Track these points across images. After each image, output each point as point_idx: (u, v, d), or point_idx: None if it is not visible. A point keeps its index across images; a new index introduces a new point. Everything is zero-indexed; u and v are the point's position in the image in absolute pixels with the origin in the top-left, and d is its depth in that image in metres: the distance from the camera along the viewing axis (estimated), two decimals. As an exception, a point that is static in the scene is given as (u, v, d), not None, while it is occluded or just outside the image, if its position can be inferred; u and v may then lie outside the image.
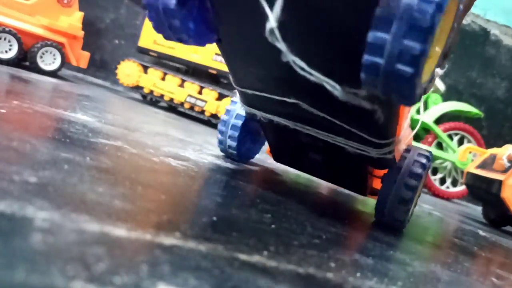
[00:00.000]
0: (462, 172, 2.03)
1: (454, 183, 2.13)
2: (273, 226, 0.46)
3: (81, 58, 1.69)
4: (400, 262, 0.49)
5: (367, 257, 0.46)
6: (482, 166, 1.38)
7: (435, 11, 0.37)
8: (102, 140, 0.63)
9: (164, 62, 1.74)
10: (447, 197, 2.06)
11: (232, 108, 0.82)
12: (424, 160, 0.67)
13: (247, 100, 0.68)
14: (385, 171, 0.71)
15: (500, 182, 1.23)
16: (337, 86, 0.48)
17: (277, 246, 0.39)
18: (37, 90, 1.08)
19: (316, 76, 0.48)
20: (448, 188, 2.11)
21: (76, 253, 0.25)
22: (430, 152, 0.71)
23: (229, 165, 0.78)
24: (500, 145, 1.52)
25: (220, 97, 1.58)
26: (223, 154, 0.87)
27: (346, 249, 0.46)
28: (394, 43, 0.39)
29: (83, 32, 1.66)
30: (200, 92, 1.61)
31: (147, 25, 1.71)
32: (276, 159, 0.82)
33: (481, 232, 1.07)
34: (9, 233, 0.25)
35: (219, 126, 0.82)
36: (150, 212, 0.37)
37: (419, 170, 0.66)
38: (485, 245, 0.88)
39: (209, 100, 1.58)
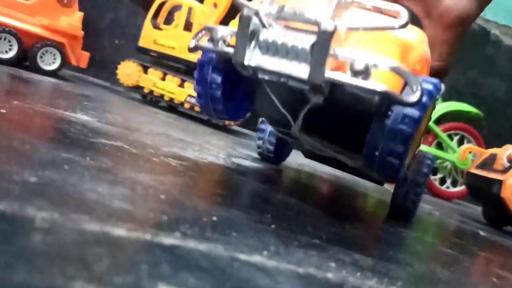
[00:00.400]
0: (462, 172, 2.03)
1: (454, 183, 2.13)
2: (273, 226, 0.46)
3: (81, 58, 1.69)
4: (400, 262, 0.49)
5: (367, 257, 0.46)
6: (482, 166, 1.38)
7: (413, 129, 0.50)
8: (102, 140, 0.63)
9: (164, 62, 1.74)
10: (447, 197, 2.06)
11: (265, 127, 0.97)
12: (429, 161, 0.83)
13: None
14: None
15: (500, 182, 1.23)
16: (346, 159, 0.67)
17: (277, 246, 0.39)
18: (37, 90, 1.08)
19: (329, 153, 0.68)
20: (448, 188, 2.11)
21: (76, 253, 0.25)
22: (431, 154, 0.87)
23: (229, 165, 0.78)
24: (500, 145, 1.52)
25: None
26: (260, 157, 1.01)
27: (346, 249, 0.46)
28: (384, 144, 0.52)
29: (83, 32, 1.66)
30: (200, 92, 1.61)
31: (147, 25, 1.72)
32: (305, 156, 0.97)
33: (481, 232, 1.07)
34: (9, 233, 0.25)
35: (258, 134, 0.97)
36: (150, 212, 0.37)
37: (426, 170, 0.81)
38: (485, 245, 0.88)
39: (209, 100, 1.58)
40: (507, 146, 1.37)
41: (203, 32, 0.58)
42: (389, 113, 0.51)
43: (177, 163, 0.63)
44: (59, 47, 1.56)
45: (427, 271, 0.50)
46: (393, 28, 0.48)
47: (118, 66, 1.72)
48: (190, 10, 1.70)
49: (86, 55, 1.70)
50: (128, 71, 1.70)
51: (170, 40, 1.67)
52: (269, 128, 0.94)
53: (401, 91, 0.50)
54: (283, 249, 0.39)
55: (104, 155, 0.54)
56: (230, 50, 0.51)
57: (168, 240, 0.32)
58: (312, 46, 0.46)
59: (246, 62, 0.50)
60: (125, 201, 0.38)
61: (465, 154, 1.87)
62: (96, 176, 0.43)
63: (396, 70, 0.46)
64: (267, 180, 0.78)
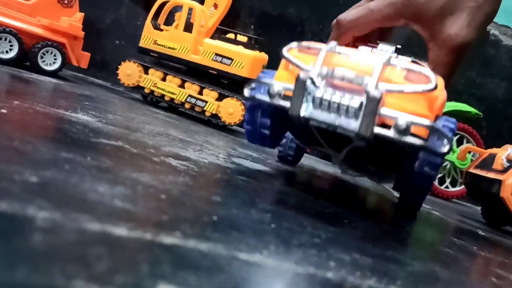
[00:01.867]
0: (461, 172, 2.03)
1: (454, 182, 2.13)
2: (273, 225, 0.46)
3: (82, 58, 1.69)
4: (400, 261, 0.50)
5: (366, 256, 0.46)
6: (481, 166, 1.38)
7: (436, 171, 0.72)
8: (103, 140, 0.63)
9: (164, 62, 1.74)
10: (447, 197, 2.06)
11: None
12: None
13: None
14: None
15: (499, 182, 1.23)
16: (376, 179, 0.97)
17: (277, 245, 0.39)
18: (38, 90, 1.08)
19: (363, 176, 0.91)
20: (447, 187, 2.11)
21: (77, 253, 0.25)
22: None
23: (229, 165, 0.78)
24: (499, 145, 1.52)
25: (220, 97, 1.59)
26: (279, 160, 1.08)
27: (346, 249, 0.46)
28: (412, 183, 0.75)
29: (83, 33, 1.66)
30: (200, 93, 1.61)
31: (148, 25, 1.72)
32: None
33: (480, 232, 1.07)
34: (10, 232, 0.25)
35: (280, 142, 1.04)
36: (151, 212, 0.38)
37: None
38: (484, 245, 0.88)
39: (209, 100, 1.58)
40: (507, 146, 1.37)
41: (254, 84, 0.69)
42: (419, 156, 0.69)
43: (177, 163, 0.63)
44: (60, 47, 1.56)
45: (427, 271, 0.50)
46: (426, 91, 0.58)
47: (119, 66, 1.73)
48: (190, 10, 1.70)
49: (87, 55, 1.71)
50: (129, 71, 1.70)
51: (171, 40, 1.67)
52: (289, 136, 1.04)
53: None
54: (283, 249, 0.39)
55: (104, 155, 0.54)
56: (286, 104, 0.62)
57: (168, 239, 0.32)
58: (360, 106, 0.57)
59: (301, 114, 0.60)
60: (126, 201, 0.38)
61: (464, 154, 1.87)
62: (96, 176, 0.43)
63: (430, 128, 0.57)
64: (267, 180, 0.78)
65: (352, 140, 0.63)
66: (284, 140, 1.05)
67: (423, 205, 1.29)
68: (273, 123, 0.80)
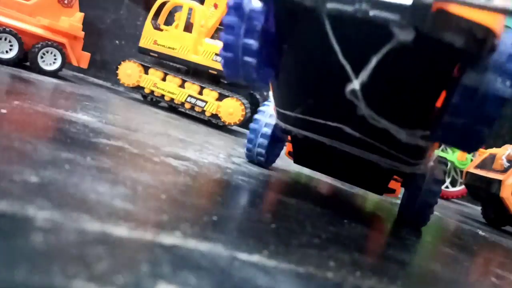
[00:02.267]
0: (461, 172, 2.03)
1: (454, 182, 2.13)
2: (273, 225, 0.46)
3: (82, 58, 1.69)
4: (400, 261, 0.50)
5: (366, 256, 0.46)
6: (481, 166, 1.38)
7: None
8: (103, 140, 0.63)
9: (164, 62, 1.74)
10: (447, 197, 2.06)
11: (260, 117, 0.87)
12: (444, 167, 0.78)
13: (286, 119, 0.70)
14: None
15: (499, 182, 1.23)
16: (402, 131, 0.57)
17: (277, 245, 0.39)
18: (38, 90, 1.08)
19: (383, 123, 0.56)
20: (447, 187, 2.11)
21: (77, 253, 0.25)
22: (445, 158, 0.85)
23: (229, 165, 0.78)
24: (499, 145, 1.52)
25: (221, 97, 1.59)
26: (248, 160, 0.91)
27: (346, 248, 0.46)
28: (476, 109, 0.49)
29: (83, 33, 1.66)
30: (200, 93, 1.61)
31: (148, 25, 1.72)
32: (297, 162, 0.86)
33: (480, 232, 1.07)
34: (10, 232, 0.25)
35: (249, 135, 0.87)
36: (151, 212, 0.38)
37: (441, 177, 0.76)
38: (484, 245, 0.88)
39: (209, 100, 1.59)
40: (507, 146, 1.38)
41: None
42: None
43: (177, 163, 0.63)
44: (60, 47, 1.56)
45: (427, 271, 0.50)
46: None
47: (119, 67, 1.73)
48: (190, 11, 1.70)
49: (87, 55, 1.71)
50: (129, 72, 1.70)
51: (171, 40, 1.67)
52: (261, 129, 0.86)
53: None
54: (283, 249, 0.39)
55: (105, 155, 0.54)
56: None
57: (168, 239, 0.32)
58: None
59: None
60: (126, 201, 0.38)
61: (464, 154, 1.87)
62: (97, 176, 0.43)
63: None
64: (267, 180, 0.78)
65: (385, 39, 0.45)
66: (252, 135, 0.87)
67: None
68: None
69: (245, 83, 0.65)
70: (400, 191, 0.94)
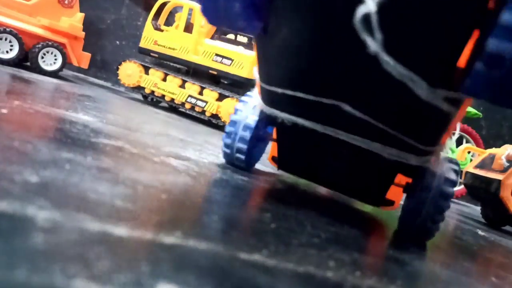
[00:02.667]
0: (461, 171, 2.03)
1: (454, 183, 2.13)
2: (272, 225, 0.46)
3: (82, 58, 1.69)
4: (399, 261, 0.50)
5: (366, 256, 0.46)
6: (481, 166, 1.38)
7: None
8: (103, 140, 0.63)
9: (165, 63, 1.74)
10: (447, 197, 2.05)
11: (238, 118, 0.73)
12: (456, 167, 0.64)
13: (273, 100, 0.61)
14: (407, 179, 0.68)
15: (498, 182, 1.23)
16: (424, 85, 0.46)
17: (277, 245, 0.39)
18: (38, 90, 1.08)
19: (400, 72, 0.45)
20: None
21: (77, 252, 0.25)
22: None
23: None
24: (499, 145, 1.52)
25: (221, 97, 1.59)
26: (225, 160, 0.78)
27: (346, 248, 0.46)
28: None
29: (84, 33, 1.66)
30: (200, 93, 1.62)
31: (148, 26, 1.72)
32: (282, 167, 0.77)
33: (480, 232, 1.07)
34: (10, 232, 0.25)
35: (225, 139, 0.74)
36: (151, 212, 0.38)
37: (454, 177, 0.62)
38: (484, 245, 0.88)
39: (209, 100, 1.59)
40: (506, 146, 1.38)
41: None
42: None
43: (177, 163, 0.63)
44: (60, 47, 1.57)
45: (426, 270, 0.50)
46: None
47: (119, 67, 1.73)
48: (190, 11, 1.70)
49: (87, 55, 1.71)
50: (129, 72, 1.70)
51: (171, 41, 1.68)
52: (241, 124, 0.71)
53: None
54: (283, 248, 0.39)
55: (105, 155, 0.55)
56: None
57: (168, 239, 0.32)
58: None
59: None
60: (126, 201, 0.38)
61: (464, 154, 1.87)
62: (97, 175, 0.43)
63: None
64: (267, 179, 0.78)
65: None
66: (231, 127, 0.73)
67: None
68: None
69: (230, 29, 0.58)
70: (400, 203, 0.76)
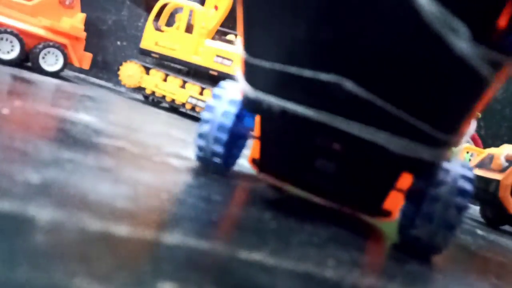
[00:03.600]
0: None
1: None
2: (272, 224, 0.46)
3: (84, 59, 1.69)
4: (399, 260, 0.50)
5: (365, 255, 0.46)
6: (479, 165, 1.38)
7: None
8: (104, 140, 0.64)
9: (165, 63, 1.74)
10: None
11: (216, 104, 0.62)
12: (470, 173, 0.53)
13: (258, 79, 0.52)
14: (407, 184, 0.58)
15: (497, 182, 1.23)
16: (467, 35, 0.38)
17: (276, 244, 0.39)
18: (39, 90, 1.08)
19: (437, 15, 0.38)
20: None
21: (79, 252, 0.26)
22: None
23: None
24: (497, 145, 1.52)
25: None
26: (199, 162, 0.66)
27: (345, 247, 0.46)
28: None
29: (85, 33, 1.66)
30: (201, 93, 1.62)
31: (149, 27, 1.72)
32: (264, 169, 0.66)
33: (479, 231, 1.07)
34: (12, 232, 0.25)
35: (199, 128, 0.62)
36: (152, 211, 0.38)
37: (468, 186, 0.52)
38: (483, 245, 0.88)
39: (210, 101, 1.59)
40: (505, 146, 1.38)
41: None
42: None
43: (178, 162, 0.63)
44: (61, 48, 1.57)
45: (425, 269, 0.51)
46: None
47: (120, 67, 1.73)
48: (191, 12, 1.70)
49: (89, 56, 1.71)
50: (130, 72, 1.71)
51: (172, 41, 1.68)
52: (217, 120, 0.61)
53: None
54: (283, 247, 0.39)
55: (106, 154, 0.55)
56: None
57: (169, 238, 0.32)
58: None
59: None
60: (127, 200, 0.38)
61: (462, 154, 1.87)
62: (98, 175, 0.43)
63: None
64: (267, 179, 0.78)
65: None
66: (204, 127, 0.62)
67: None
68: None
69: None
70: (397, 214, 0.62)
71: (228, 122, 0.61)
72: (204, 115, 0.62)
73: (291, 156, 0.61)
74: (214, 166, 0.64)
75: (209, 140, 0.62)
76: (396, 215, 0.63)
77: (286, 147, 0.61)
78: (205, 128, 0.62)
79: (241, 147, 0.72)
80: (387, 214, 0.62)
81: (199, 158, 0.65)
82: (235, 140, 0.65)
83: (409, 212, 0.56)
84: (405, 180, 0.58)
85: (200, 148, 0.63)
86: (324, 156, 0.56)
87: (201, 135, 0.62)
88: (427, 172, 0.53)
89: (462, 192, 0.51)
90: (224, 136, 0.61)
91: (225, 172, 0.68)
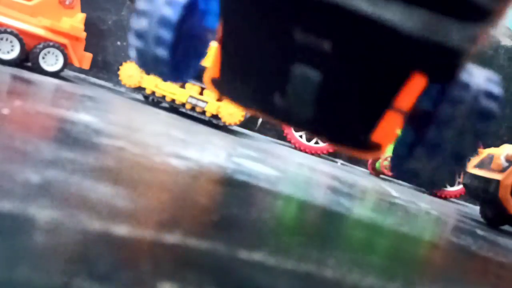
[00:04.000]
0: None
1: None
2: (272, 224, 0.46)
3: (84, 59, 1.69)
4: (399, 260, 0.50)
5: (365, 255, 0.46)
6: (480, 165, 1.38)
7: None
8: (104, 140, 0.64)
9: (165, 63, 1.74)
10: (445, 196, 2.06)
11: (150, 7, 0.46)
12: (496, 89, 0.42)
13: None
14: (407, 105, 0.42)
15: (497, 182, 1.23)
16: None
17: (277, 244, 0.40)
18: (39, 90, 1.08)
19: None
20: (446, 187, 2.11)
21: (79, 252, 0.26)
22: None
23: (229, 164, 0.79)
24: (497, 145, 1.52)
25: (221, 98, 1.59)
26: (141, 69, 0.52)
27: (345, 247, 0.46)
28: None
29: (85, 34, 1.66)
30: (201, 93, 1.62)
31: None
32: (225, 91, 0.52)
33: (479, 231, 1.08)
34: (12, 231, 0.26)
35: (136, 24, 0.46)
36: (152, 211, 0.38)
37: (493, 106, 0.41)
38: (483, 245, 0.88)
39: (210, 101, 1.59)
40: (505, 146, 1.38)
41: None
42: None
43: (178, 162, 0.64)
44: (61, 48, 1.57)
45: (426, 269, 0.51)
46: None
47: (120, 67, 1.73)
48: (191, 11, 1.70)
49: (89, 56, 1.71)
50: (130, 72, 1.71)
51: (171, 41, 1.68)
52: (160, 10, 0.45)
53: None
54: (283, 247, 0.39)
55: (106, 155, 0.55)
56: None
57: (169, 238, 0.32)
58: None
59: None
60: (127, 200, 0.38)
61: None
62: (98, 175, 0.43)
63: None
64: (267, 179, 0.78)
65: None
66: (142, 23, 0.46)
67: (421, 204, 1.30)
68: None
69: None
70: (386, 149, 0.47)
71: (173, 14, 0.45)
72: (140, 3, 0.46)
73: (261, 63, 0.44)
74: (159, 71, 0.50)
75: (148, 41, 0.46)
76: (385, 150, 0.47)
77: (255, 52, 0.43)
78: (142, 23, 0.46)
79: (198, 54, 0.56)
80: (375, 147, 0.47)
81: (140, 63, 0.50)
82: (187, 42, 0.50)
83: (407, 140, 0.44)
84: (405, 99, 0.42)
85: (140, 52, 0.48)
86: (306, 60, 0.40)
87: (138, 34, 0.47)
88: (449, 70, 0.39)
89: (483, 114, 0.41)
90: (169, 35, 0.45)
91: (174, 80, 0.53)
